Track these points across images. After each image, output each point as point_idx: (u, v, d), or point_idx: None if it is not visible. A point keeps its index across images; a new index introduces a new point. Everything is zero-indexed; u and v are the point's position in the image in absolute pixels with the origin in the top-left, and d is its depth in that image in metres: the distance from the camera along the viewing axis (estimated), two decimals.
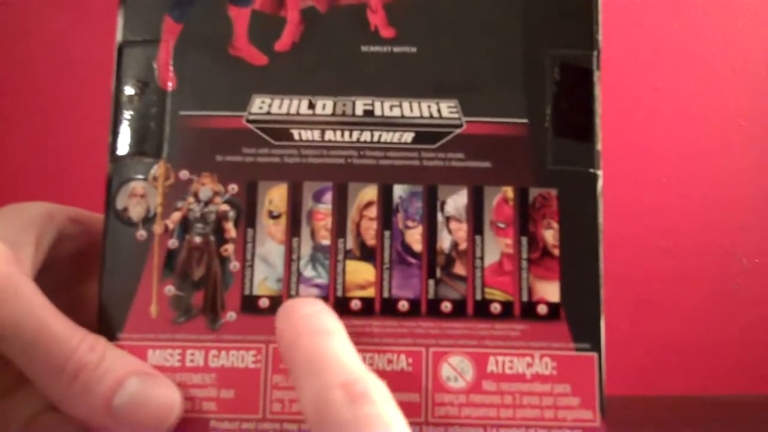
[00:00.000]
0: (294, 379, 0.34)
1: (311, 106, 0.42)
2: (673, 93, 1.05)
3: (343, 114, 0.41)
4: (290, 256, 0.41)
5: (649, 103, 1.04)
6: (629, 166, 1.03)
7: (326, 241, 0.41)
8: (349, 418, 0.31)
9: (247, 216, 0.41)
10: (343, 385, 0.32)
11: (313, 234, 0.41)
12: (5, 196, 0.91)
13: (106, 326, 0.39)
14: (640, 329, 1.01)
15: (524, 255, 0.41)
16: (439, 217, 0.41)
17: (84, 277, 0.43)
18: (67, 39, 0.96)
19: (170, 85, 0.42)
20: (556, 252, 0.41)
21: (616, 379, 0.96)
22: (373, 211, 0.41)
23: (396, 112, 0.41)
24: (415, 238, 0.41)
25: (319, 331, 0.35)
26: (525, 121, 0.41)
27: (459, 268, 0.41)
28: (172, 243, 0.40)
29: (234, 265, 0.40)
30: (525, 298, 0.40)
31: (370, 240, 0.41)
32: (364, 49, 0.42)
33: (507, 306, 0.40)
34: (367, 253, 0.41)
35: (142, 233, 0.40)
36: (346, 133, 0.41)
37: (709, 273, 1.03)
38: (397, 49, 0.42)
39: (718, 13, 1.06)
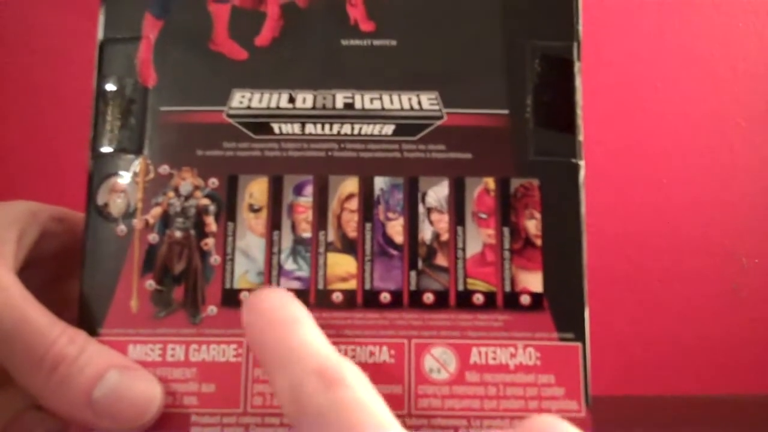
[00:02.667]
0: (266, 371, 0.34)
1: (291, 99, 0.42)
2: (673, 93, 1.04)
3: (324, 107, 0.42)
4: (271, 250, 0.41)
5: (649, 102, 1.04)
6: (629, 166, 1.03)
7: (307, 234, 0.41)
8: (326, 404, 0.31)
9: (228, 210, 0.41)
10: (316, 372, 0.32)
11: (294, 227, 0.41)
12: (2, 195, 0.92)
13: (86, 321, 0.39)
14: (640, 329, 1.00)
15: (506, 245, 0.40)
16: (421, 209, 0.41)
17: (68, 276, 0.43)
18: (66, 38, 0.97)
19: (151, 81, 0.42)
20: (539, 242, 0.40)
21: (616, 379, 0.96)
22: (354, 204, 0.41)
23: (376, 104, 0.41)
24: (396, 229, 0.41)
25: (287, 321, 0.35)
26: (506, 112, 0.41)
27: (441, 260, 0.40)
28: (153, 238, 0.40)
29: (215, 259, 0.40)
30: (508, 289, 0.40)
31: (352, 232, 0.41)
32: (344, 42, 0.42)
33: (490, 297, 0.40)
34: (348, 246, 0.41)
35: (122, 228, 0.40)
36: (327, 126, 0.41)
37: (709, 273, 1.02)
38: (377, 43, 0.42)
39: (718, 13, 1.06)
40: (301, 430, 0.31)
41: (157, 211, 0.41)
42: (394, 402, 0.38)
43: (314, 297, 0.40)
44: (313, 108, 0.41)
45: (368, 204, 0.41)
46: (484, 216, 0.41)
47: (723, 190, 1.04)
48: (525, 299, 0.40)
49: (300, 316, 0.35)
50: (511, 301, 0.40)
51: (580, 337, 0.40)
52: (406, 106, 0.41)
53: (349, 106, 0.41)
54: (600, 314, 0.94)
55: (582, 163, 0.41)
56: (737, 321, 1.01)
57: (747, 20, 1.06)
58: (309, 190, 0.41)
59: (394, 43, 0.42)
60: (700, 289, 1.02)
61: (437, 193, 0.41)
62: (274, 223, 0.41)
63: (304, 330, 0.34)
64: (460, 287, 0.40)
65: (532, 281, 0.40)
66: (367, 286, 0.40)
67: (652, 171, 1.03)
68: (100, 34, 0.42)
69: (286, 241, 0.41)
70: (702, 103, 1.05)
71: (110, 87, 0.42)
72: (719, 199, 1.03)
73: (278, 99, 0.42)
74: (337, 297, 0.40)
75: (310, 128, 0.41)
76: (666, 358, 1.00)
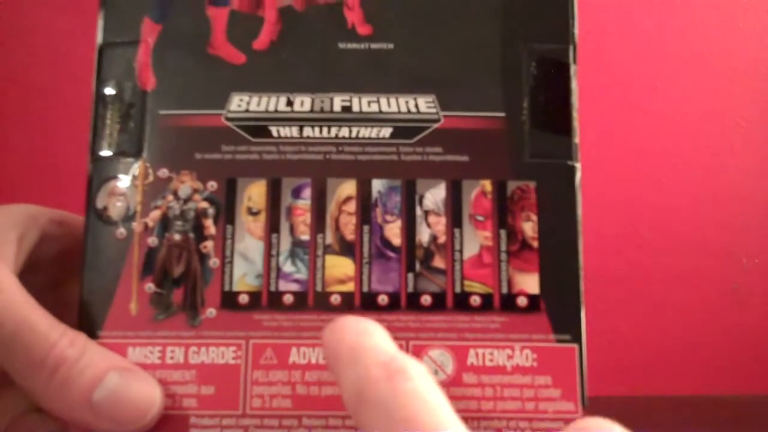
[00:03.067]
0: (336, 372, 0.34)
1: (289, 103, 0.42)
2: (673, 93, 1.04)
3: (321, 110, 0.42)
4: (269, 252, 0.41)
5: (649, 102, 1.04)
6: (629, 166, 1.03)
7: (305, 237, 0.41)
8: (386, 393, 0.31)
9: (227, 213, 0.41)
10: (381, 364, 0.32)
11: (292, 230, 0.41)
12: (4, 197, 0.92)
13: (86, 324, 0.39)
14: (640, 329, 1.00)
15: (503, 247, 0.41)
16: (418, 211, 0.41)
17: (68, 279, 0.43)
18: (67, 39, 0.97)
19: (150, 85, 0.42)
20: (535, 244, 0.41)
21: (616, 379, 0.96)
22: (351, 206, 0.41)
23: (374, 107, 0.42)
24: (394, 232, 0.41)
25: (362, 332, 0.35)
26: (502, 114, 0.42)
27: (438, 262, 0.41)
28: (152, 241, 0.41)
29: (213, 262, 0.41)
30: (505, 291, 0.40)
31: (349, 235, 0.41)
32: (341, 46, 0.43)
33: (487, 298, 0.40)
34: (346, 248, 0.41)
35: (122, 231, 0.41)
36: (325, 130, 0.42)
37: (709, 273, 1.02)
38: (374, 46, 0.42)
39: (718, 13, 1.06)
40: (360, 420, 0.31)
41: (156, 214, 0.41)
42: None
43: (312, 299, 0.40)
44: (311, 111, 0.42)
45: (366, 207, 0.41)
46: (481, 218, 0.41)
47: (723, 190, 1.03)
48: (522, 301, 0.40)
49: (374, 328, 0.35)
50: (508, 302, 0.40)
51: (576, 338, 0.40)
52: (404, 109, 0.42)
53: (346, 109, 0.42)
54: (600, 314, 0.94)
55: (578, 165, 0.41)
56: (737, 321, 1.01)
57: (747, 20, 1.06)
58: (307, 193, 0.41)
59: (391, 46, 0.42)
60: (700, 289, 1.02)
61: (434, 195, 0.41)
62: (273, 226, 0.41)
63: (376, 336, 0.34)
64: (458, 289, 0.40)
65: (529, 283, 0.40)
66: (365, 289, 0.40)
67: (652, 171, 1.03)
68: (99, 38, 0.43)
69: (285, 243, 0.41)
70: (702, 103, 1.04)
71: (109, 91, 0.42)
72: (719, 199, 1.03)
73: (276, 102, 0.42)
74: (335, 299, 0.40)
75: (308, 131, 0.42)
76: (666, 358, 1.00)
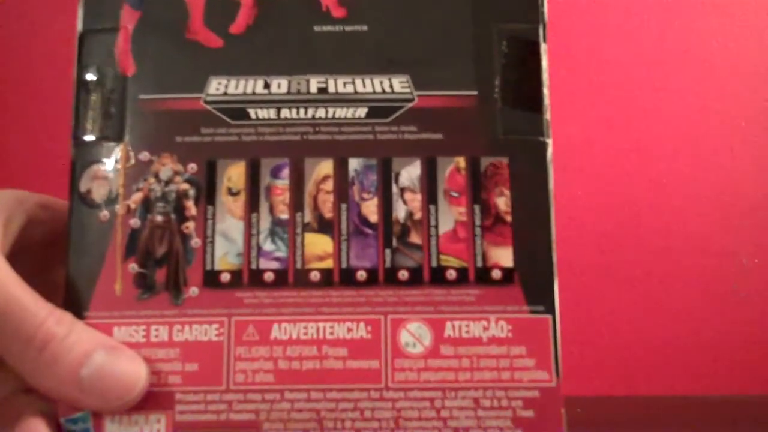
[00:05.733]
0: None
1: (266, 85, 0.43)
2: (673, 93, 1.04)
3: (298, 92, 0.43)
4: (250, 231, 0.42)
5: (649, 102, 1.04)
6: (629, 166, 1.03)
7: (285, 216, 0.42)
8: None
9: (207, 194, 0.42)
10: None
11: (271, 209, 0.42)
12: None
13: (72, 304, 0.40)
14: (640, 329, 1.00)
15: (477, 222, 0.42)
16: (394, 189, 0.42)
17: (54, 263, 0.44)
18: (66, 39, 0.97)
19: (130, 70, 0.43)
20: (509, 218, 0.41)
21: (616, 379, 0.96)
22: (329, 185, 0.42)
23: (349, 88, 0.43)
24: (371, 209, 0.42)
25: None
26: (474, 93, 0.42)
27: (414, 237, 0.41)
28: (135, 222, 0.41)
29: (195, 242, 0.41)
30: (479, 264, 0.41)
31: (328, 213, 0.42)
32: (316, 29, 0.43)
33: (462, 272, 0.41)
34: (324, 226, 0.42)
35: (105, 214, 0.41)
36: (302, 111, 0.42)
37: (709, 273, 1.02)
38: (348, 28, 0.43)
39: (718, 13, 1.06)
40: None
41: (138, 196, 0.42)
42: (371, 376, 0.39)
43: (293, 276, 0.41)
44: (288, 93, 0.43)
45: (343, 185, 0.42)
46: (455, 194, 0.42)
47: (723, 190, 1.03)
48: (496, 274, 0.41)
49: None
50: (483, 276, 0.41)
51: (550, 309, 0.41)
52: (378, 89, 0.42)
53: (322, 90, 0.43)
54: (600, 314, 0.95)
55: (549, 141, 0.42)
56: (737, 321, 1.01)
57: (747, 20, 1.06)
58: (285, 172, 0.42)
59: (365, 28, 0.43)
60: (700, 289, 1.02)
61: (410, 173, 0.42)
62: (253, 206, 0.42)
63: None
64: (434, 264, 0.41)
65: (503, 256, 0.41)
66: (344, 265, 0.41)
67: (652, 171, 1.03)
68: (79, 26, 0.43)
69: (265, 222, 0.42)
70: (702, 103, 1.05)
71: (90, 77, 0.43)
72: (719, 199, 1.03)
73: (254, 85, 0.43)
74: (314, 276, 0.41)
75: (285, 113, 0.42)
76: (666, 358, 1.00)
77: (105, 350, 0.38)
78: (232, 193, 0.42)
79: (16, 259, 0.39)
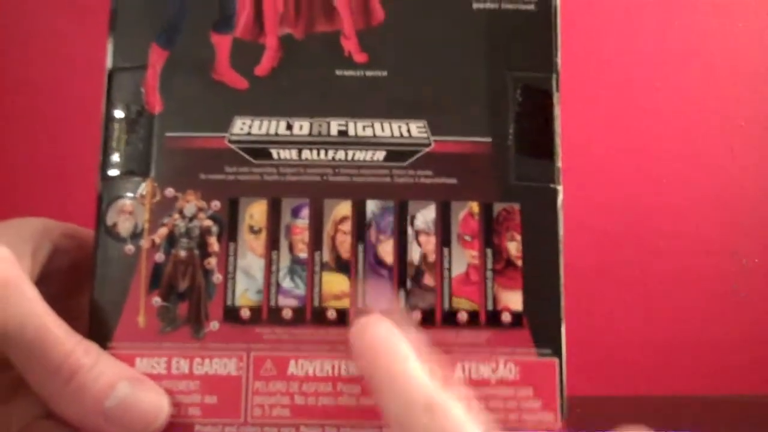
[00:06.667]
0: (376, 396, 0.38)
1: (289, 127, 0.44)
2: (673, 93, 1.05)
3: (319, 134, 0.44)
4: (270, 269, 0.43)
5: (649, 103, 1.05)
6: (629, 166, 1.03)
7: (304, 254, 0.43)
8: (430, 428, 0.35)
9: (229, 231, 0.43)
10: (421, 399, 0.36)
11: (291, 247, 0.43)
12: (2, 194, 0.93)
13: (96, 335, 0.41)
14: (641, 329, 1.01)
15: (489, 266, 0.43)
16: (410, 231, 0.43)
17: (78, 289, 0.45)
18: (67, 40, 0.98)
19: (157, 108, 0.44)
20: (519, 263, 0.43)
21: (615, 379, 0.97)
22: (347, 226, 0.43)
23: (368, 132, 0.44)
24: (386, 250, 0.43)
25: (394, 354, 0.38)
26: (489, 139, 0.44)
27: (428, 279, 0.43)
28: (159, 257, 0.43)
29: (217, 277, 0.43)
30: (490, 307, 0.42)
31: (345, 253, 0.43)
32: (338, 73, 0.45)
33: (473, 315, 0.42)
34: (342, 266, 0.43)
35: (130, 248, 0.43)
36: (322, 152, 0.44)
37: (709, 273, 1.03)
38: (369, 73, 0.44)
39: (718, 13, 1.06)
40: None
41: (163, 231, 0.43)
42: None
43: (310, 314, 0.42)
44: (310, 135, 0.44)
45: (361, 226, 0.43)
46: (468, 238, 0.43)
47: (723, 190, 1.04)
48: (506, 317, 0.42)
49: (406, 351, 0.39)
50: (493, 318, 0.42)
51: (557, 352, 0.42)
52: (396, 133, 0.44)
53: (343, 133, 0.44)
54: (600, 314, 0.96)
55: (560, 188, 0.43)
56: (737, 321, 1.02)
57: (747, 20, 1.07)
58: (305, 212, 0.43)
59: (385, 73, 0.44)
60: (700, 289, 1.02)
61: (425, 216, 0.43)
62: (273, 244, 0.43)
63: (409, 364, 0.38)
64: (446, 306, 0.43)
65: (513, 300, 0.43)
66: (360, 304, 0.43)
67: (652, 171, 1.04)
68: (108, 63, 0.45)
69: (284, 260, 0.43)
70: (702, 103, 1.05)
71: (119, 113, 0.44)
72: (719, 199, 1.04)
73: (277, 126, 0.44)
74: (331, 314, 0.42)
75: (306, 154, 0.44)
76: (666, 358, 1.01)
77: (129, 382, 0.39)
78: (254, 231, 0.43)
79: (40, 286, 0.40)
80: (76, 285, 0.45)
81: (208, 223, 0.43)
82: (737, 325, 1.02)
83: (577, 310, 0.92)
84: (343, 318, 0.42)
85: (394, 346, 0.39)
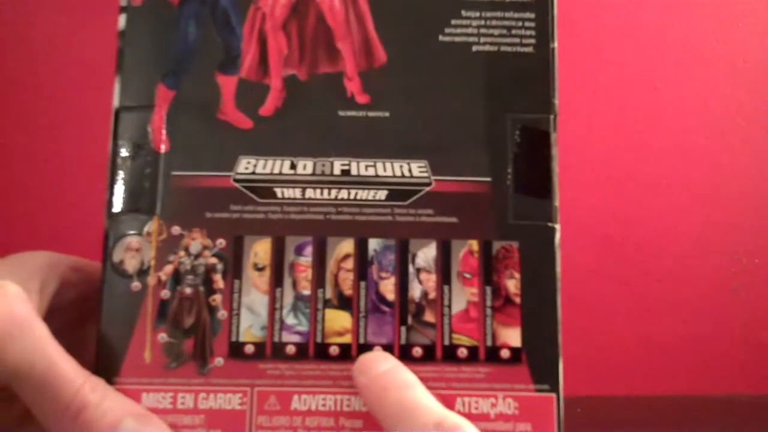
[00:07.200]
0: (387, 426, 0.39)
1: (293, 166, 0.45)
2: (673, 93, 1.05)
3: (322, 174, 0.45)
4: (273, 306, 0.44)
5: (649, 103, 1.05)
6: (629, 166, 1.03)
7: (307, 291, 0.44)
8: None
9: (234, 268, 0.44)
10: (435, 424, 0.37)
11: (294, 285, 0.44)
12: (4, 204, 0.93)
13: (103, 370, 0.42)
14: (640, 329, 1.01)
15: (488, 303, 0.44)
16: (411, 269, 0.44)
17: (84, 322, 0.46)
18: (67, 40, 0.97)
19: (163, 147, 0.45)
20: (518, 300, 0.44)
21: (615, 379, 0.97)
22: (349, 263, 0.44)
23: (371, 171, 0.45)
24: (388, 288, 0.44)
25: (401, 385, 0.40)
26: (488, 179, 0.45)
27: (429, 316, 0.44)
28: (165, 294, 0.44)
29: (222, 314, 0.44)
30: (489, 343, 0.43)
31: (347, 290, 0.44)
32: (341, 113, 0.46)
33: (473, 351, 0.43)
34: (344, 302, 0.44)
35: (136, 284, 0.44)
36: (325, 191, 0.45)
37: (709, 273, 1.03)
38: (371, 114, 0.45)
39: (718, 13, 1.06)
40: None
41: (169, 268, 0.44)
42: None
43: (313, 350, 0.43)
44: (313, 174, 0.45)
45: (363, 264, 0.44)
46: (468, 276, 0.44)
47: (723, 190, 1.04)
48: (505, 353, 0.43)
49: (412, 380, 0.41)
50: (493, 354, 0.43)
51: (554, 388, 0.43)
52: (398, 173, 0.45)
53: (345, 172, 0.45)
54: (600, 314, 0.96)
55: (557, 226, 0.44)
56: (737, 321, 1.02)
57: (747, 20, 1.07)
58: (309, 250, 0.44)
59: (387, 114, 0.45)
60: (700, 289, 1.03)
61: (426, 254, 0.44)
62: (277, 281, 0.44)
63: (418, 392, 0.40)
64: (446, 342, 0.44)
65: (512, 336, 0.43)
66: (362, 340, 0.43)
67: (652, 171, 1.04)
68: (115, 102, 0.45)
69: (288, 297, 0.44)
70: (702, 103, 1.05)
71: (125, 152, 0.45)
72: (719, 199, 1.04)
73: (281, 165, 0.45)
74: (334, 350, 0.43)
75: (309, 193, 0.45)
76: (666, 358, 1.01)
77: (134, 418, 0.40)
78: (258, 269, 0.44)
79: (48, 320, 0.41)
80: (82, 317, 0.46)
81: (213, 260, 0.44)
82: (737, 325, 1.02)
83: (577, 309, 0.93)
84: (345, 354, 0.43)
85: (400, 376, 0.40)
